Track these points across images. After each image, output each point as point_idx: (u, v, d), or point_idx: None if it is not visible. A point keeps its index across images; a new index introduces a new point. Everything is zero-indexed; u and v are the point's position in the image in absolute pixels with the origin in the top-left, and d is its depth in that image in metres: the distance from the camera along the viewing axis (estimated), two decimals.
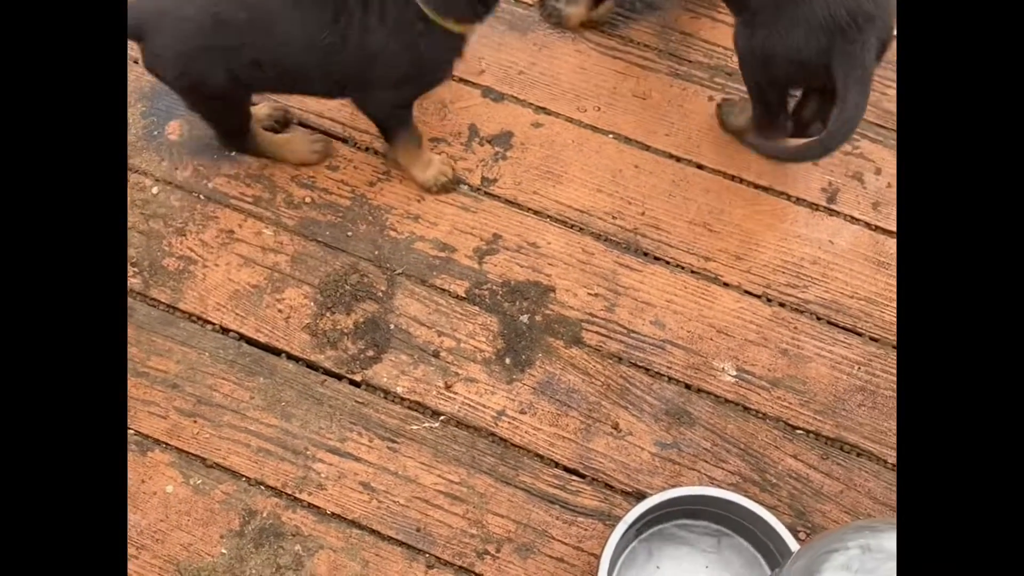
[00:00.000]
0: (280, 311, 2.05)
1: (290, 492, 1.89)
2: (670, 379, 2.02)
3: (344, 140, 2.22)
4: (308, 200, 2.16)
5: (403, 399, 1.98)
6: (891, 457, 1.95)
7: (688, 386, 2.01)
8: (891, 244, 2.14)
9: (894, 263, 2.12)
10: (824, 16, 1.83)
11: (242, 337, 2.02)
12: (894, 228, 2.15)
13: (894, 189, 2.19)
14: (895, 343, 2.05)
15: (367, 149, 2.21)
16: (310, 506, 1.89)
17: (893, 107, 2.27)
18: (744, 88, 2.09)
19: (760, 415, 1.98)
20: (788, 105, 2.07)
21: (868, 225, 2.16)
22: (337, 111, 2.25)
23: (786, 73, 1.96)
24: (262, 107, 2.19)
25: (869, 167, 2.21)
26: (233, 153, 2.17)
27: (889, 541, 1.43)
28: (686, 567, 1.82)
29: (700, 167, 2.22)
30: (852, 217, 2.17)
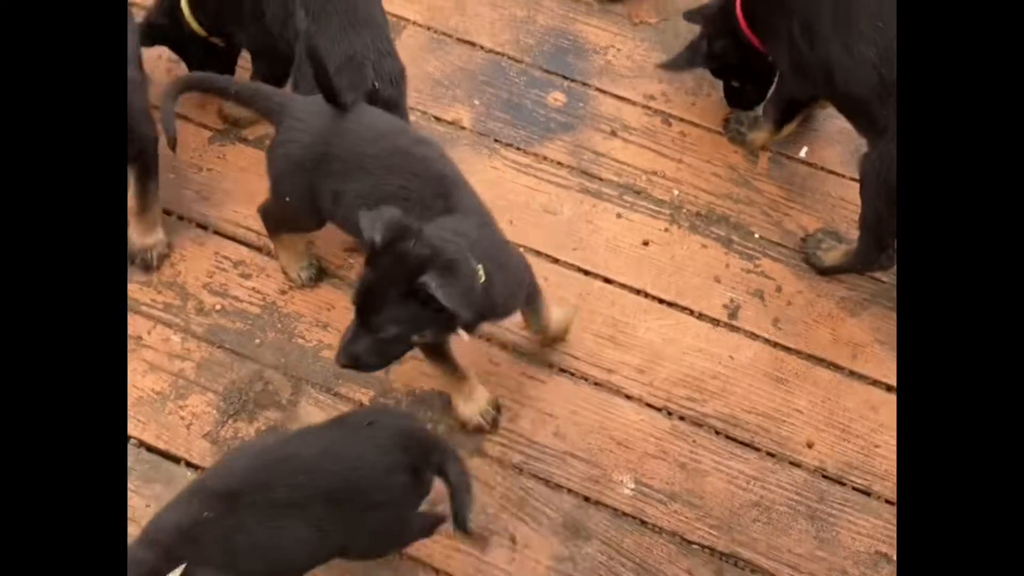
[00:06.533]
0: (182, 418, 2.05)
1: None
2: (569, 491, 2.03)
3: (259, 249, 2.27)
4: (219, 308, 2.19)
5: None
6: (783, 573, 1.96)
7: (587, 498, 2.02)
8: (790, 360, 2.19)
9: (791, 379, 2.17)
10: None
11: (142, 444, 2.02)
12: (792, 345, 2.21)
13: (794, 306, 2.25)
14: (791, 459, 2.08)
15: None
16: None
17: (793, 227, 2.35)
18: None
19: (656, 529, 2.00)
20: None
21: (768, 341, 2.21)
22: (254, 219, 2.29)
23: None
24: None
25: (770, 285, 2.28)
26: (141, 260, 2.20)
27: None
28: None
29: (607, 281, 2.28)
30: (752, 333, 2.22)
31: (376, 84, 2.03)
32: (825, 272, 2.25)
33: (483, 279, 1.73)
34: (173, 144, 2.04)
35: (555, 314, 2.10)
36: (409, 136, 1.93)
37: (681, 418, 2.12)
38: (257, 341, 2.15)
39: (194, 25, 2.26)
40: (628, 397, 2.14)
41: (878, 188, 2.04)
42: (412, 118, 2.34)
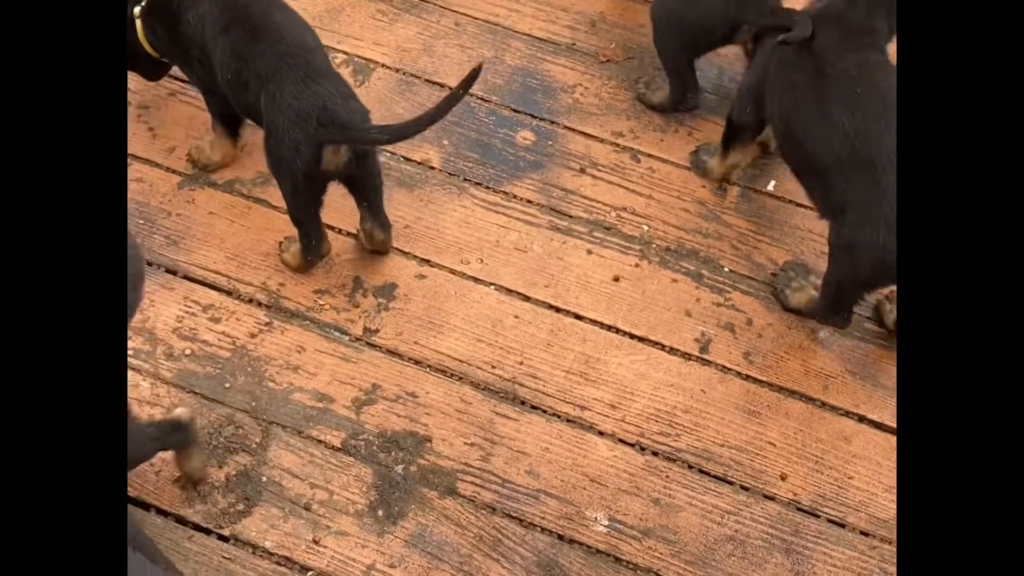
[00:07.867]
0: (151, 464, 2.03)
1: None
2: (543, 529, 2.02)
3: (228, 292, 2.26)
4: (188, 352, 2.18)
5: (271, 554, 1.96)
6: None
7: (560, 536, 2.01)
8: (761, 393, 2.19)
9: (764, 412, 2.17)
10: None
11: None
12: (764, 377, 2.21)
13: (765, 339, 2.26)
14: (765, 492, 2.07)
15: (250, 300, 2.25)
16: None
17: (763, 260, 2.37)
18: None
19: (631, 566, 1.98)
20: (856, 303, 2.17)
21: (739, 375, 2.22)
22: (223, 262, 2.29)
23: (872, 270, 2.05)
24: None
25: (740, 318, 2.29)
26: None
27: None
28: None
29: (578, 317, 2.28)
30: (724, 367, 2.23)
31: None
32: (789, 311, 2.27)
33: None
34: None
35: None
36: None
37: (654, 453, 2.11)
38: (227, 385, 2.13)
39: (147, 47, 2.31)
40: (601, 433, 2.13)
41: (844, 266, 2.08)
42: (381, 159, 2.35)
